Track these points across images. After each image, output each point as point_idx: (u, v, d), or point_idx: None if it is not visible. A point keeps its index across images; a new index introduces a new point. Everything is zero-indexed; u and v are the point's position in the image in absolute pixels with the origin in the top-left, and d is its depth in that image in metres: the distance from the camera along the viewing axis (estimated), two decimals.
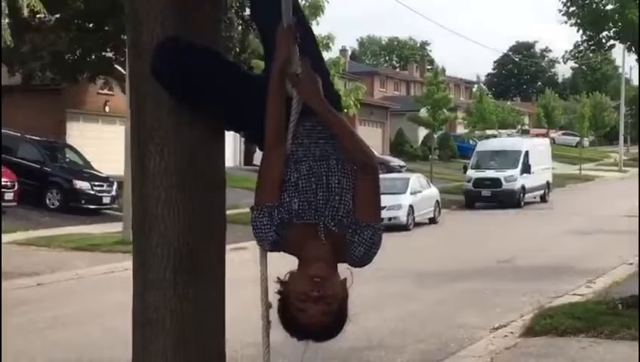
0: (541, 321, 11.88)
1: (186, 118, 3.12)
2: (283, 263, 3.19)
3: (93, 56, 32.45)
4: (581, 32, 12.69)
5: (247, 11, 31.27)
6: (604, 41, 12.73)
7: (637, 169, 62.40)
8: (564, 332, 11.26)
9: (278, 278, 3.03)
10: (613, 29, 12.38)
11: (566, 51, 13.33)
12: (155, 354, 3.12)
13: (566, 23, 12.66)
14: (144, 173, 3.14)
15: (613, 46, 13.25)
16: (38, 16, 28.15)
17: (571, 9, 12.54)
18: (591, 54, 13.83)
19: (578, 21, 12.50)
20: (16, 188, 26.81)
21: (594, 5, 12.24)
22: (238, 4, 30.96)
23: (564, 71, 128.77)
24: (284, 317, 3.04)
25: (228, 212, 3.38)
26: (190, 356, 3.12)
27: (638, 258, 15.36)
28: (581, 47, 13.08)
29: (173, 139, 3.12)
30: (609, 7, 12.41)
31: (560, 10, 12.78)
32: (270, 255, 3.16)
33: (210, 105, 3.13)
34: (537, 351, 10.54)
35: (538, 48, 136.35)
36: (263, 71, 3.37)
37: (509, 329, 12.25)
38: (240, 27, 32.43)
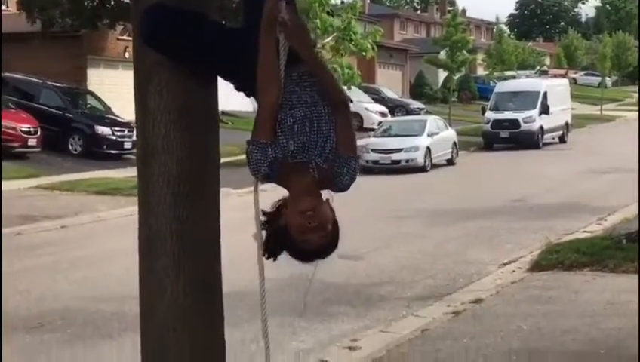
0: (547, 256, 12.24)
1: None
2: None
3: (112, 2, 32.58)
4: None
5: None
6: None
7: None
8: (570, 267, 11.63)
9: (264, 211, 3.37)
10: None
11: None
12: (158, 270, 3.51)
13: None
14: (146, 111, 3.53)
15: None
16: None
17: None
18: None
19: None
20: (38, 133, 27.32)
21: None
22: None
23: (587, 10, 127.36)
24: (287, 245, 3.36)
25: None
26: (190, 271, 3.51)
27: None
28: None
29: (171, 82, 3.49)
30: None
31: None
32: None
33: (200, 63, 3.49)
34: (542, 285, 10.90)
35: None
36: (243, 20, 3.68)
37: (517, 265, 12.61)
38: None
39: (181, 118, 3.48)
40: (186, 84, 3.50)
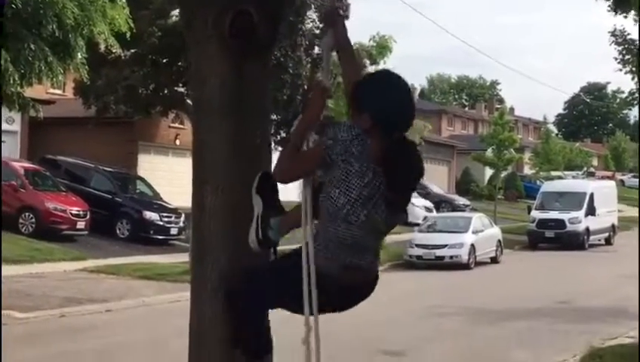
0: (590, 361, 12.13)
1: (237, 165, 3.68)
2: None
3: (165, 91, 33.22)
4: (636, 79, 12.99)
5: (316, 49, 31.95)
6: None
7: None
8: None
9: None
10: None
11: (620, 99, 13.66)
12: (208, 358, 3.66)
13: (621, 70, 13.00)
14: (202, 209, 3.71)
15: None
16: (114, 51, 29.04)
17: (627, 57, 12.83)
18: None
19: (633, 69, 12.80)
20: (87, 217, 27.73)
21: None
22: (307, 43, 31.58)
23: (636, 112, 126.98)
24: None
25: None
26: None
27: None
28: (636, 95, 13.38)
29: (226, 182, 3.68)
30: None
31: (616, 58, 13.09)
32: None
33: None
34: None
35: (610, 90, 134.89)
36: None
37: None
38: (309, 65, 33.04)
39: (234, 217, 3.67)
40: (241, 184, 3.69)
